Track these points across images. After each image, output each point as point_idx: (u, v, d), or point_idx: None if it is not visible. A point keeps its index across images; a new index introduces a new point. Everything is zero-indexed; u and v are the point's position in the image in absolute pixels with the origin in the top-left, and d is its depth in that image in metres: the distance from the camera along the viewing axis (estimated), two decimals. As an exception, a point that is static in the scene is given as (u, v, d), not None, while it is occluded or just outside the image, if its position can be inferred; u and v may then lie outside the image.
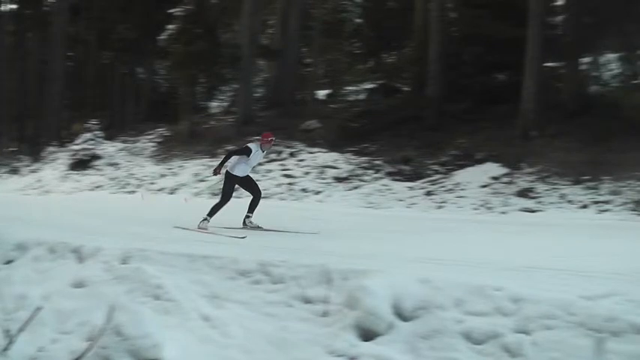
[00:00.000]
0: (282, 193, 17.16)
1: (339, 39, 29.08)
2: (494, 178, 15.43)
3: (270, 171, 18.35)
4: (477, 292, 5.25)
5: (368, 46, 27.32)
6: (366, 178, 17.16)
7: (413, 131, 18.49)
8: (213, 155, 19.87)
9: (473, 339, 4.92)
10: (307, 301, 5.78)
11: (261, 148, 10.97)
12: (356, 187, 16.76)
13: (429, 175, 16.54)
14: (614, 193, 13.76)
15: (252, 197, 11.09)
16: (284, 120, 21.47)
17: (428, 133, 18.10)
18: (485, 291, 5.24)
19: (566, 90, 18.32)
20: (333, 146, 19.13)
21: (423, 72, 19.68)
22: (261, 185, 17.89)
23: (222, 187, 11.04)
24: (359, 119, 19.94)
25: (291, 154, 19.22)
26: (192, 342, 5.40)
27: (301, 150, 19.35)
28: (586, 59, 19.24)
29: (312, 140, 19.86)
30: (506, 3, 18.08)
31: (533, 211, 13.82)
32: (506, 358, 4.74)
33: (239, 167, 10.96)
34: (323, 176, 17.66)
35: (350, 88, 26.78)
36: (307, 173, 18.03)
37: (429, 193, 15.69)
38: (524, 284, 5.44)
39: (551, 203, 13.93)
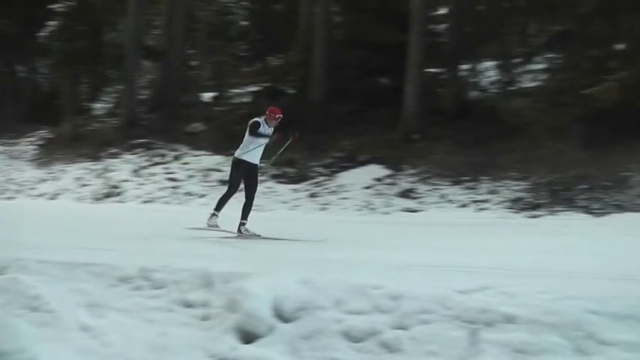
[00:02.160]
0: (165, 197, 16.86)
1: (225, 41, 28.87)
2: (378, 180, 15.72)
3: (153, 174, 18.01)
4: (357, 291, 5.31)
5: (254, 48, 27.26)
6: (250, 181, 17.07)
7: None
8: (96, 159, 19.31)
9: (352, 337, 4.96)
10: (188, 305, 5.69)
11: (267, 124, 10.14)
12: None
13: (313, 177, 16.68)
14: (491, 192, 14.37)
15: (244, 199, 10.34)
16: (169, 122, 21.09)
17: (312, 136, 18.15)
18: (365, 290, 5.31)
19: (447, 95, 18.93)
20: (217, 149, 18.92)
21: (308, 75, 19.80)
22: (144, 189, 17.93)
23: (230, 176, 10.38)
24: (244, 122, 19.69)
25: (176, 157, 18.94)
26: (71, 354, 5.18)
27: (186, 153, 19.09)
28: (466, 66, 19.90)
29: (197, 143, 19.61)
30: (390, 9, 18.43)
31: (414, 211, 14.18)
32: (385, 354, 4.81)
33: (247, 150, 10.07)
34: (207, 179, 17.46)
35: (236, 90, 26.60)
36: (191, 176, 17.80)
37: (313, 195, 15.81)
38: (403, 282, 5.54)
39: (432, 203, 14.35)
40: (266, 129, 10.11)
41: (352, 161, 16.89)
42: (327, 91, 19.36)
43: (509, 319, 4.80)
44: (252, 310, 5.21)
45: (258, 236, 9.99)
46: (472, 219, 13.03)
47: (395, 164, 16.14)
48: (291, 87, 21.40)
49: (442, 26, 20.55)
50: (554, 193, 13.70)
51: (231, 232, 9.88)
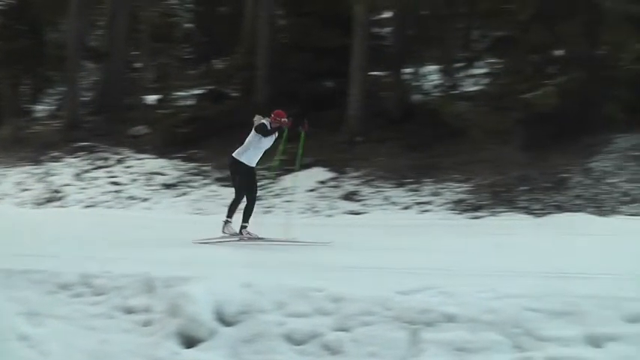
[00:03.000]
0: (108, 201, 16.58)
1: (169, 43, 28.57)
2: (321, 183, 15.76)
3: (96, 178, 17.71)
4: (299, 294, 5.34)
5: (199, 51, 27.05)
6: (194, 184, 16.97)
7: (241, 137, 18.33)
8: (37, 162, 18.87)
9: (294, 340, 4.98)
10: (130, 311, 5.65)
11: (271, 127, 9.92)
12: (184, 194, 16.52)
13: (257, 180, 16.58)
14: (434, 194, 14.54)
15: (245, 202, 10.01)
16: (112, 125, 20.76)
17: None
18: (306, 293, 5.34)
19: (391, 98, 19.06)
20: (161, 152, 18.74)
21: (252, 78, 19.76)
22: (86, 194, 17.63)
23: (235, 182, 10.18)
24: (188, 125, 19.67)
25: (119, 161, 18.64)
26: (9, 365, 5.09)
27: (129, 156, 18.80)
28: (409, 70, 20.09)
29: (140, 146, 19.35)
30: (334, 13, 18.50)
31: (358, 214, 14.25)
32: (326, 357, 4.85)
33: (248, 153, 9.91)
34: (151, 183, 17.26)
35: (180, 93, 26.35)
36: (135, 180, 17.55)
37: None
38: (345, 284, 5.58)
39: (376, 205, 14.45)
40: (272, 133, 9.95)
41: (296, 164, 16.87)
42: (271, 95, 19.30)
43: (450, 319, 4.89)
44: (194, 315, 5.19)
45: (262, 239, 9.81)
46: (415, 220, 13.17)
47: (339, 167, 16.20)
48: (235, 90, 21.31)
49: (386, 30, 20.71)
50: (495, 194, 13.93)
51: (234, 237, 9.71)
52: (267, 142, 9.97)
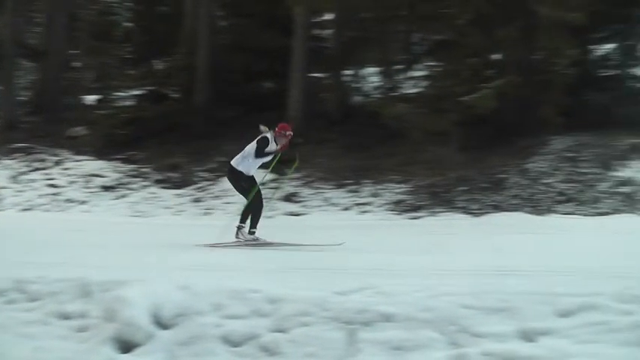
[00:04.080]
0: (45, 205, 16.22)
1: (109, 42, 28.07)
2: (261, 184, 15.67)
3: (33, 181, 17.32)
4: (236, 295, 5.31)
5: (139, 50, 26.67)
6: (133, 186, 16.75)
7: (181, 138, 18.33)
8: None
9: (231, 342, 4.95)
10: (65, 317, 5.50)
11: (275, 141, 9.75)
12: (123, 196, 16.28)
13: (197, 182, 16.53)
14: (374, 195, 14.67)
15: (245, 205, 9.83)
16: (50, 126, 20.35)
17: (196, 140, 18.04)
18: (244, 294, 5.31)
19: (331, 100, 19.16)
20: (100, 154, 18.44)
21: (192, 79, 19.60)
22: (23, 196, 17.20)
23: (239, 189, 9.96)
24: (127, 126, 19.39)
25: (57, 163, 18.27)
26: None
27: (67, 158, 18.45)
28: (349, 71, 20.21)
29: (79, 148, 19.01)
30: (274, 14, 18.49)
31: (298, 215, 14.27)
32: (264, 358, 4.83)
33: (246, 163, 9.71)
34: (89, 185, 16.96)
35: (120, 93, 25.94)
36: (73, 182, 17.22)
37: (196, 200, 15.67)
38: (283, 285, 5.58)
39: (316, 207, 14.50)
40: (273, 146, 9.75)
41: (237, 165, 16.83)
42: (211, 96, 19.23)
43: (387, 318, 4.92)
44: (130, 319, 5.10)
45: (268, 242, 9.59)
46: (355, 222, 13.26)
47: (279, 168, 16.17)
48: (175, 91, 21.09)
49: (327, 32, 20.78)
50: (434, 195, 14.13)
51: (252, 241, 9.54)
52: (267, 157, 9.83)
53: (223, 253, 8.77)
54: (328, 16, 20.42)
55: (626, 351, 4.52)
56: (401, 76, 19.36)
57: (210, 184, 16.35)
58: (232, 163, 9.85)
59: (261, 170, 10.18)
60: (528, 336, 4.76)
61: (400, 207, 14.21)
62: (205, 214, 14.91)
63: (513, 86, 14.68)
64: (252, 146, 9.75)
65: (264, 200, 9.93)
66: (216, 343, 4.95)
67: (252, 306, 5.20)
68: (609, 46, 17.35)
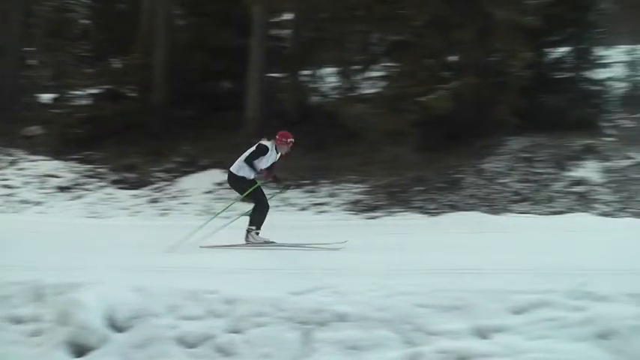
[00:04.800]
0: None
1: (65, 40, 27.64)
2: (218, 184, 15.65)
3: (-14, 182, 16.98)
4: (192, 296, 5.30)
5: (96, 48, 26.31)
6: (89, 187, 16.52)
7: (138, 138, 18.14)
8: None
9: (187, 343, 4.96)
10: (18, 321, 5.46)
11: (276, 149, 9.63)
12: (79, 197, 16.05)
13: (154, 183, 16.40)
14: (331, 195, 14.70)
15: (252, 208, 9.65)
16: (4, 125, 19.83)
17: (153, 140, 17.87)
18: (200, 295, 5.30)
19: (289, 100, 19.16)
20: (56, 154, 18.15)
21: (150, 78, 19.43)
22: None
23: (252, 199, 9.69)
24: (84, 125, 19.13)
25: (11, 163, 17.88)
26: None
27: (22, 158, 18.09)
28: (307, 71, 20.22)
29: (34, 147, 18.66)
30: (232, 13, 18.42)
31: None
32: (219, 359, 4.83)
33: (245, 168, 9.51)
34: (45, 186, 16.67)
35: (76, 92, 25.56)
36: (28, 183, 16.88)
37: (153, 201, 15.53)
38: (240, 286, 5.57)
39: (273, 207, 14.39)
40: (272, 156, 9.66)
41: (193, 166, 16.77)
42: (169, 95, 19.08)
43: (342, 318, 4.96)
44: (84, 322, 5.07)
45: (272, 242, 9.45)
46: (312, 222, 13.26)
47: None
48: (132, 90, 20.88)
49: (286, 32, 20.76)
50: (391, 194, 14.20)
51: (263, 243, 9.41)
52: (266, 161, 9.65)
53: (181, 254, 8.69)
54: (287, 16, 20.40)
55: (577, 346, 4.62)
56: (359, 77, 19.42)
57: (167, 185, 16.23)
58: (232, 170, 9.66)
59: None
60: (482, 333, 4.85)
61: (357, 207, 14.26)
62: (162, 214, 14.78)
63: (470, 87, 14.82)
64: (250, 151, 9.63)
65: (268, 201, 9.76)
66: (172, 344, 4.94)
67: (207, 307, 5.21)
68: (564, 49, 17.61)
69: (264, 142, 9.61)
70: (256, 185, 9.59)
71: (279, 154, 9.73)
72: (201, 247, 9.19)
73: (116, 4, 26.11)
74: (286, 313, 5.02)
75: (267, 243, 9.38)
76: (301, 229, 11.75)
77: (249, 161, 9.49)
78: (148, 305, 5.25)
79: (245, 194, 9.63)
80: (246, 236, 9.43)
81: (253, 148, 9.61)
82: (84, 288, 5.44)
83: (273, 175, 9.88)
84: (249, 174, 9.57)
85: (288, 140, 9.60)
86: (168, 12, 20.18)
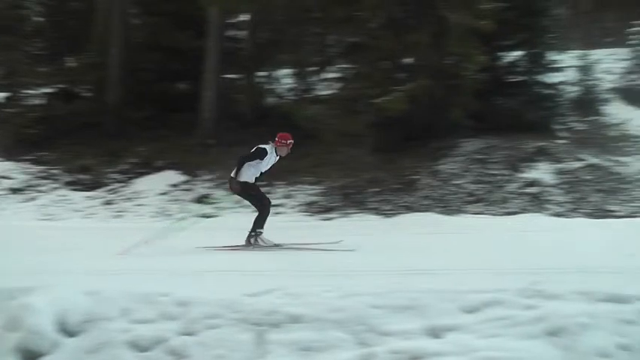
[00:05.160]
0: (-52, 210, 15.52)
1: (18, 37, 27.07)
2: (174, 186, 15.59)
3: None
4: (144, 299, 5.26)
5: (49, 47, 25.86)
6: (42, 188, 16.24)
7: (93, 139, 17.89)
8: None
9: (139, 347, 4.91)
10: (-34, 328, 5.31)
11: (276, 152, 9.59)
12: (32, 199, 15.77)
13: (108, 184, 16.20)
14: (286, 196, 14.71)
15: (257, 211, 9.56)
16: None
17: (108, 141, 17.66)
18: (152, 298, 5.26)
19: (245, 101, 19.11)
20: (8, 155, 17.77)
21: (105, 78, 19.19)
22: None
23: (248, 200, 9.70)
24: (37, 125, 18.80)
25: (-39, 165, 17.50)
26: None
27: (-27, 159, 17.71)
28: (263, 73, 20.18)
29: (-14, 148, 18.30)
30: (188, 13, 18.28)
31: (211, 217, 14.14)
32: (172, 362, 4.79)
33: (246, 172, 9.47)
34: (-3, 188, 16.34)
35: (30, 91, 25.09)
36: (-22, 185, 16.53)
37: (108, 203, 15.35)
38: (193, 288, 5.54)
39: (228, 208, 14.38)
40: (272, 158, 9.61)
41: (148, 167, 16.63)
42: (124, 95, 18.87)
43: (296, 319, 4.96)
44: (35, 327, 4.99)
45: (278, 245, 9.39)
46: (267, 223, 13.17)
47: (191, 170, 16.08)
48: (87, 90, 20.60)
49: (242, 33, 20.68)
50: (346, 196, 14.26)
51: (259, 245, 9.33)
52: (266, 164, 9.61)
53: (136, 257, 8.58)
54: (243, 18, 20.34)
55: (528, 343, 4.70)
56: (314, 78, 19.45)
57: (122, 186, 16.05)
58: (233, 175, 9.63)
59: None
60: (435, 333, 4.90)
61: (313, 208, 14.28)
62: (117, 216, 14.62)
63: (424, 90, 14.92)
64: (248, 157, 9.57)
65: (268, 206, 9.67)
66: (124, 348, 4.90)
67: (160, 310, 5.16)
68: (517, 53, 17.88)
69: (263, 144, 9.60)
70: (256, 186, 9.63)
71: (279, 156, 9.70)
72: (196, 247, 9.20)
73: (70, 2, 25.69)
74: (240, 314, 5.01)
75: (276, 245, 9.34)
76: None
77: (249, 165, 9.47)
78: (100, 309, 5.18)
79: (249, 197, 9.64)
80: (249, 239, 9.38)
81: (252, 151, 9.56)
82: (35, 292, 5.34)
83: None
84: (251, 178, 9.53)
85: (288, 142, 9.62)
86: (124, 10, 19.94)
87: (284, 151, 9.67)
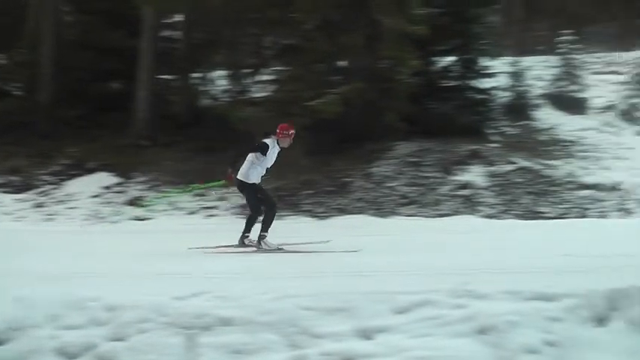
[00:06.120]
0: None
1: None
2: (106, 188, 15.32)
3: None
4: (73, 305, 5.17)
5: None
6: (-31, 191, 15.72)
7: (23, 139, 17.39)
8: None
9: (68, 354, 4.84)
10: None
11: (278, 144, 9.25)
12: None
13: (39, 186, 15.80)
14: (220, 199, 14.60)
15: (263, 214, 9.28)
16: None
17: (39, 141, 17.21)
18: (82, 303, 5.17)
19: (179, 102, 18.91)
20: None
21: (36, 76, 18.71)
22: None
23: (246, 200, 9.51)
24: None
25: None
26: None
27: None
28: (198, 74, 20.01)
29: None
30: (122, 12, 17.99)
31: (144, 219, 13.98)
32: (100, 368, 4.70)
33: (253, 172, 9.15)
34: None
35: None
36: None
37: (38, 205, 14.97)
38: (122, 292, 5.45)
39: (162, 211, 14.23)
40: (275, 152, 9.32)
41: (81, 169, 16.27)
42: (56, 94, 18.40)
43: (226, 322, 4.93)
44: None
45: (281, 249, 9.18)
46: (201, 225, 13.14)
47: (124, 171, 15.82)
48: (17, 88, 20.06)
49: (178, 33, 20.45)
50: (280, 198, 14.12)
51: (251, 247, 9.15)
52: (270, 159, 9.34)
53: (68, 260, 8.39)
54: (178, 18, 20.12)
55: (458, 342, 4.78)
56: (249, 80, 19.37)
57: (53, 189, 15.67)
58: (241, 177, 9.29)
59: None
60: (366, 334, 4.92)
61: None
62: (48, 220, 14.27)
63: (358, 92, 15.02)
64: (252, 154, 9.29)
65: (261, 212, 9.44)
66: (51, 356, 4.81)
67: (89, 315, 5.07)
68: (451, 59, 18.16)
69: (266, 139, 9.34)
70: (259, 188, 9.41)
71: (281, 148, 9.44)
72: (190, 248, 9.09)
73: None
74: (170, 318, 4.95)
75: (279, 249, 9.20)
76: (191, 233, 11.67)
77: (254, 165, 9.26)
78: (27, 316, 5.05)
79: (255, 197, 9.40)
80: (257, 242, 9.22)
81: (254, 148, 9.33)
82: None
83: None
84: (258, 178, 9.35)
85: (290, 132, 9.33)
86: (56, 7, 19.47)
87: (286, 142, 9.39)
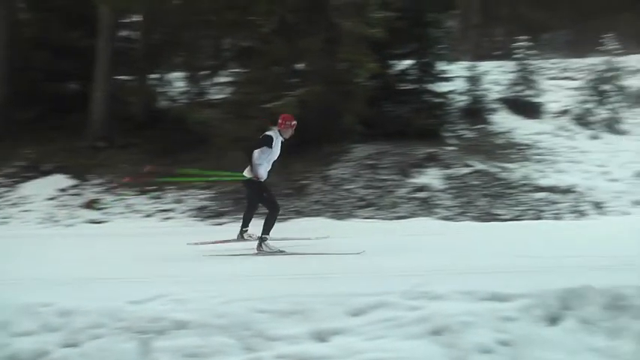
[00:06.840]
0: None
1: None
2: (62, 190, 15.07)
3: None
4: (25, 310, 5.08)
5: None
6: None
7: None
8: None
9: (20, 362, 4.72)
10: None
11: (281, 135, 9.25)
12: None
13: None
14: (177, 201, 14.51)
15: (266, 212, 9.30)
16: None
17: (-8, 143, 16.91)
18: (34, 309, 5.09)
19: (136, 103, 18.72)
20: None
21: (-11, 76, 18.33)
22: None
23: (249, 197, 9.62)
24: None
25: None
26: None
27: None
28: (156, 75, 19.85)
29: None
30: (78, 11, 17.74)
31: (100, 222, 13.81)
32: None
33: (260, 168, 9.21)
34: None
35: None
36: None
37: (-7, 209, 14.70)
38: (76, 296, 5.39)
39: (118, 213, 14.09)
40: (278, 144, 9.35)
41: (35, 171, 15.96)
42: (9, 94, 18.06)
43: (181, 326, 4.91)
44: None
45: (282, 252, 9.17)
46: (157, 228, 13.05)
47: (80, 174, 15.59)
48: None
49: (136, 33, 20.26)
50: (237, 200, 14.13)
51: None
52: (275, 152, 9.39)
53: (19, 266, 8.24)
54: (136, 18, 19.93)
55: (412, 343, 4.84)
56: (207, 82, 19.27)
57: (7, 191, 15.37)
58: (247, 174, 9.40)
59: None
60: (321, 336, 4.94)
61: (204, 213, 14.16)
62: (1, 223, 14.00)
63: (316, 95, 15.02)
64: (258, 150, 9.31)
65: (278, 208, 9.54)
66: (2, 365, 4.71)
67: (41, 321, 4.99)
68: (409, 62, 18.29)
69: (268, 132, 9.36)
70: (263, 187, 9.48)
71: (284, 139, 9.51)
72: (189, 243, 9.12)
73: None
74: (124, 322, 4.92)
75: (281, 252, 9.20)
76: (148, 236, 11.58)
77: (261, 159, 9.32)
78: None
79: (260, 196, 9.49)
80: (259, 245, 9.22)
81: (259, 143, 9.32)
82: None
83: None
84: (265, 174, 9.40)
85: (292, 123, 9.43)
86: (11, 4, 19.08)
87: (288, 133, 9.47)
